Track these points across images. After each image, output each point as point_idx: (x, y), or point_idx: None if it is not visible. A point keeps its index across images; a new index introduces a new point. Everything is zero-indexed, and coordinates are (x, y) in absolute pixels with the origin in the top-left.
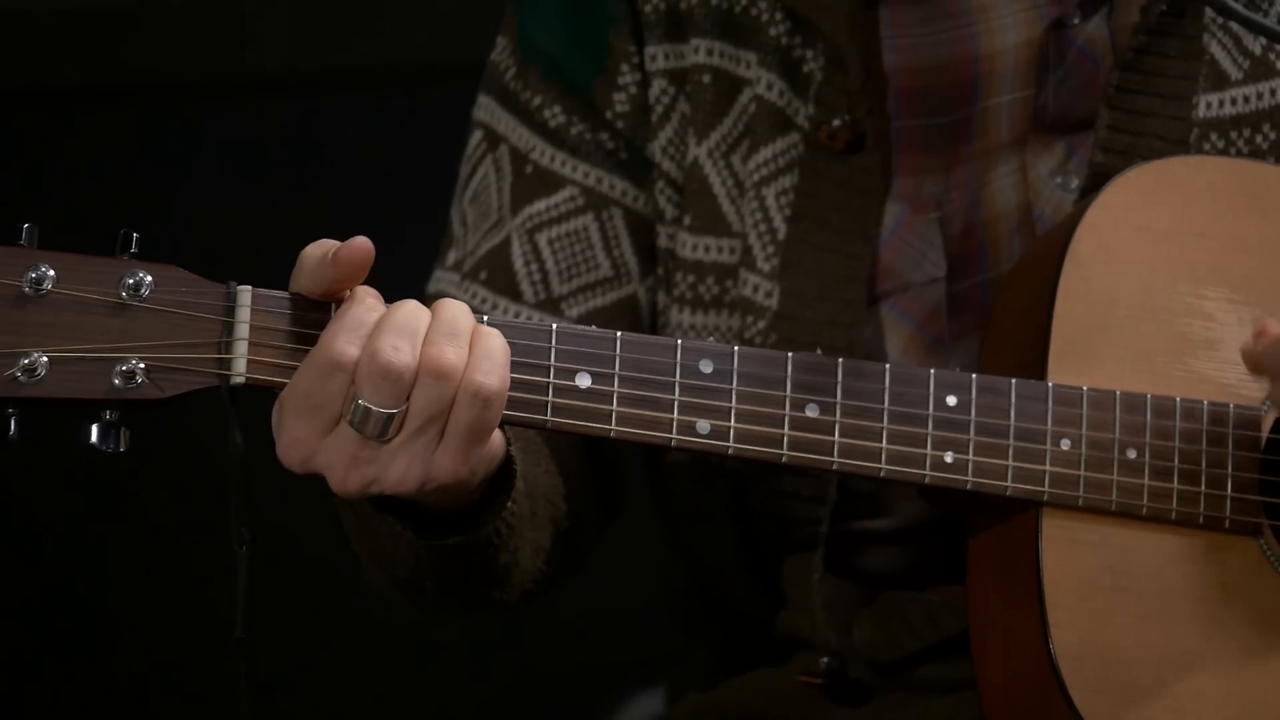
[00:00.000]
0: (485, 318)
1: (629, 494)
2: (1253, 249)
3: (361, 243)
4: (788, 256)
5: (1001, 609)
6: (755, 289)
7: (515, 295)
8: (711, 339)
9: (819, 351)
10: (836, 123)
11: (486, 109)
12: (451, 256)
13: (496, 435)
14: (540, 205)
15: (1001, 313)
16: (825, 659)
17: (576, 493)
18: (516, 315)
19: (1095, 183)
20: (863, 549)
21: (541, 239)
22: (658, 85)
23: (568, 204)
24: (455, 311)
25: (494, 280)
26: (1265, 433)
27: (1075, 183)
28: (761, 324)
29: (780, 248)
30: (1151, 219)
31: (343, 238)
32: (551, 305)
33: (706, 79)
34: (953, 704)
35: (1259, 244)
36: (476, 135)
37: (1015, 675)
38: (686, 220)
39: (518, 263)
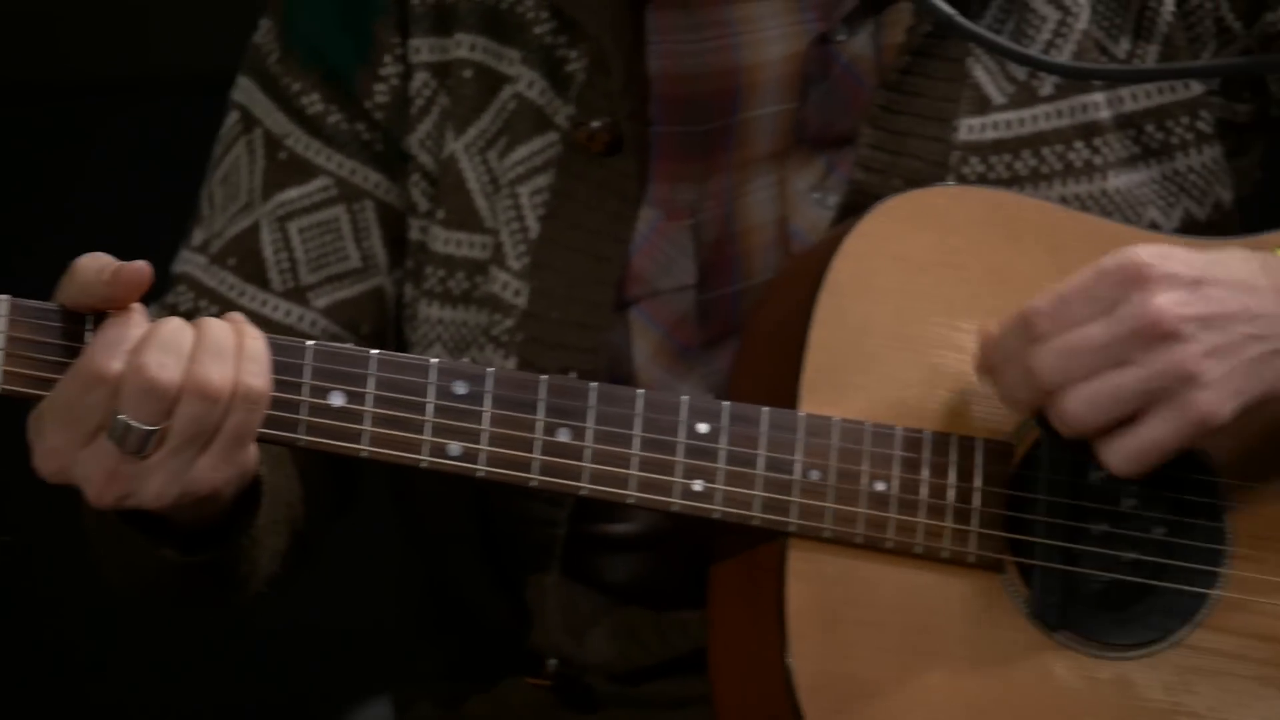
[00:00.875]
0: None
1: (363, 490)
2: (1008, 281)
3: (143, 266)
4: (538, 256)
5: (742, 636)
6: (505, 286)
7: (263, 283)
8: (468, 362)
9: (572, 374)
10: (595, 124)
11: (245, 91)
12: (198, 236)
13: (253, 449)
14: (292, 193)
15: (754, 334)
16: (554, 661)
17: (313, 494)
18: (264, 304)
19: (854, 200)
20: (600, 556)
21: (292, 227)
22: (419, 78)
23: (320, 194)
24: (219, 330)
25: (243, 267)
26: (1013, 468)
27: (834, 199)
28: (509, 322)
29: (531, 246)
30: (909, 249)
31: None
32: (299, 295)
33: (468, 74)
34: (684, 719)
35: (1014, 276)
36: (233, 116)
37: (753, 702)
38: (440, 215)
39: (267, 250)
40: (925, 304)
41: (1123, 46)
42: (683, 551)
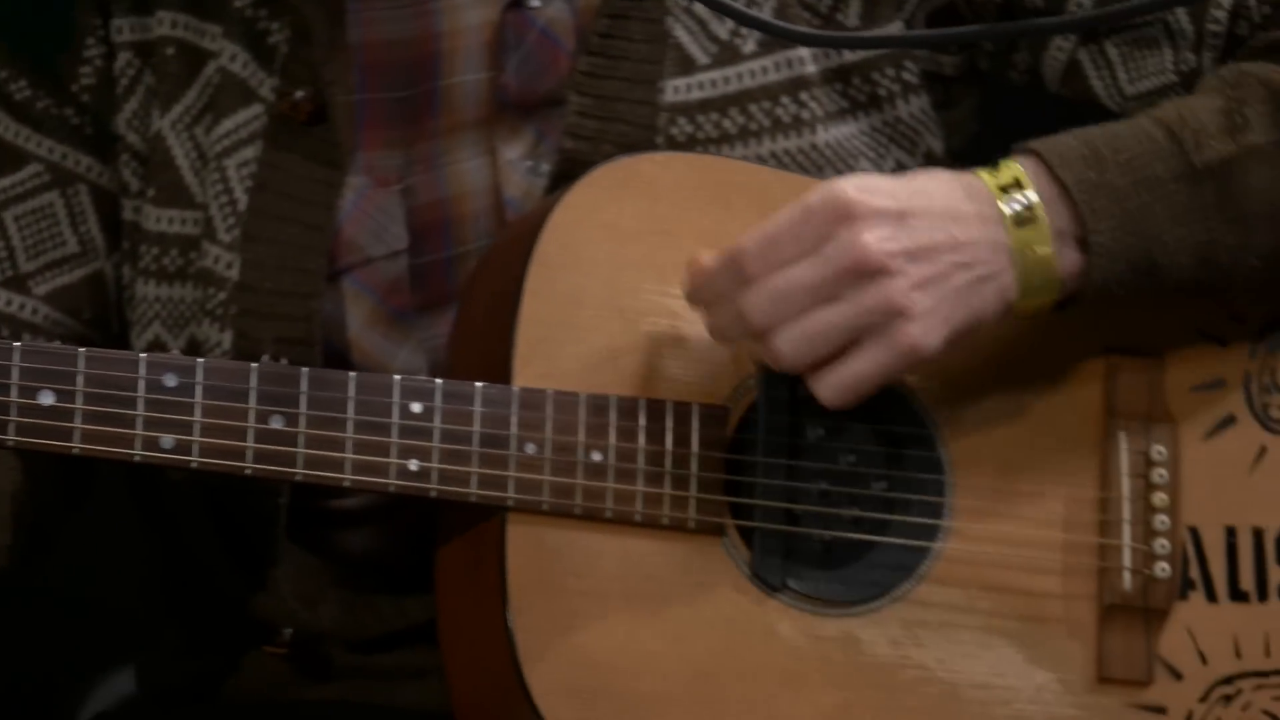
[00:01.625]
0: None
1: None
2: (719, 245)
3: None
4: (248, 228)
5: (468, 612)
6: (217, 260)
7: None
8: (178, 353)
9: (282, 362)
10: (299, 94)
11: None
12: None
13: None
14: (5, 182)
15: (468, 308)
16: (289, 630)
17: (40, 486)
18: None
19: (565, 169)
20: (329, 527)
21: (7, 216)
22: (123, 58)
23: (33, 180)
24: None
25: None
26: (730, 431)
27: (545, 168)
28: (223, 295)
29: (241, 219)
30: (618, 218)
31: None
32: (19, 283)
33: (171, 51)
34: (419, 689)
35: (725, 239)
36: None
37: (483, 678)
38: (150, 193)
39: None
40: (636, 272)
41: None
42: (413, 524)
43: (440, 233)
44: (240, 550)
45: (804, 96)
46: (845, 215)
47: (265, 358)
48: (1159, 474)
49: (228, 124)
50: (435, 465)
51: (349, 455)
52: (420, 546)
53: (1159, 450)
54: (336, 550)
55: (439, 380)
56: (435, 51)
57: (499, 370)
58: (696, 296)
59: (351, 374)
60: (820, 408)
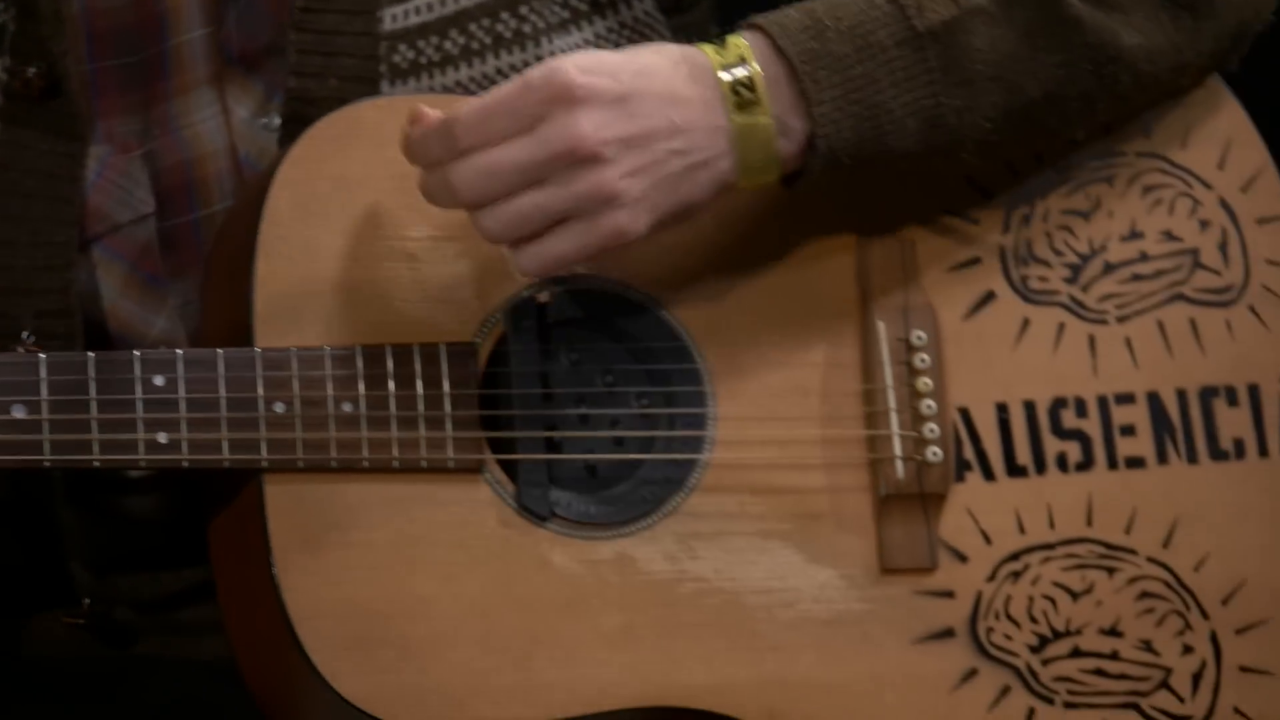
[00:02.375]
0: None
1: None
2: None
3: None
4: None
5: (240, 576)
6: None
7: None
8: None
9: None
10: (31, 71)
11: None
12: None
13: None
14: None
15: (211, 271)
16: (88, 600)
17: None
18: None
19: (294, 110)
20: (112, 492)
21: None
22: None
23: None
24: None
25: None
26: (481, 367)
27: (277, 121)
28: None
29: None
30: (345, 168)
31: None
32: None
33: None
34: (222, 642)
35: None
36: None
37: (261, 639)
38: None
39: None
40: (370, 220)
41: None
42: (190, 486)
43: (185, 195)
44: (26, 516)
45: (524, 10)
46: (564, 96)
47: (26, 334)
48: (921, 358)
49: None
50: (184, 436)
51: (95, 436)
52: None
53: (919, 335)
54: (123, 512)
55: (179, 350)
56: (159, 12)
57: (241, 333)
58: (410, 155)
59: (90, 354)
60: (572, 333)
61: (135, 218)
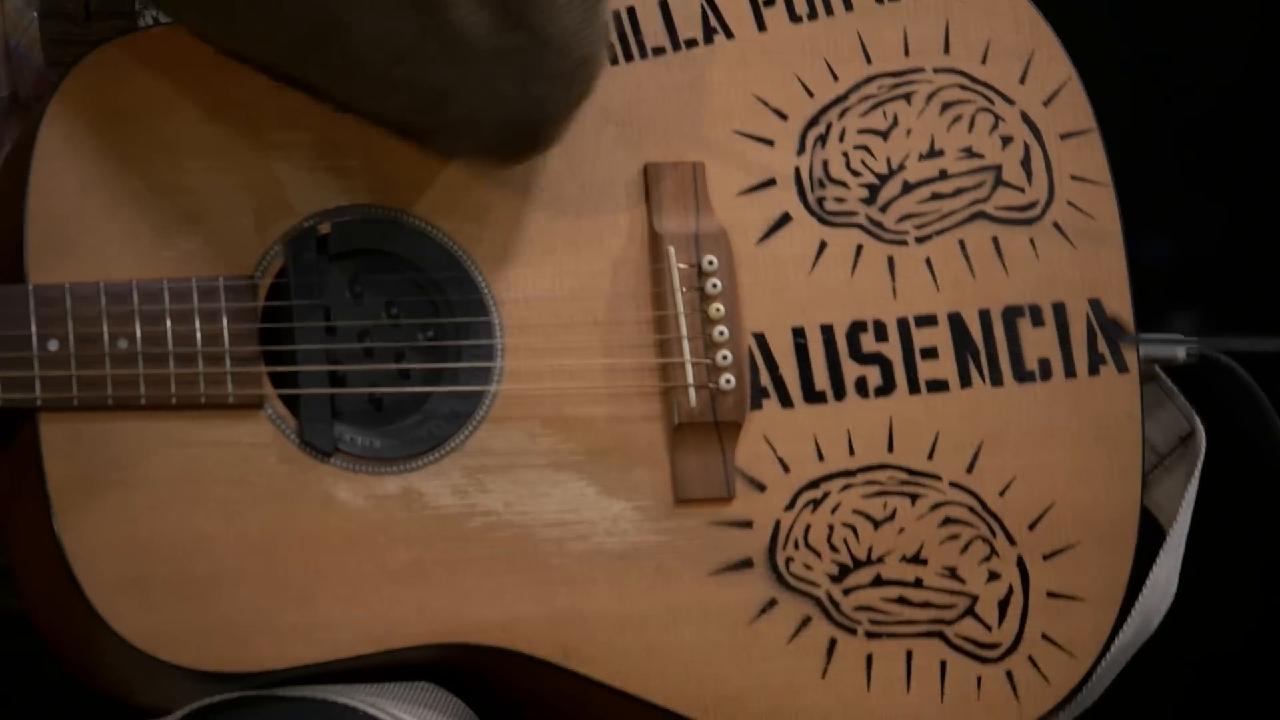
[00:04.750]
0: None
1: None
2: (222, 111)
3: None
4: None
5: (20, 521)
6: None
7: None
8: None
9: None
10: None
11: None
12: None
13: None
14: None
15: None
16: None
17: None
18: None
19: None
20: None
21: None
22: None
23: None
24: None
25: None
26: (261, 301)
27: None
28: None
29: None
30: (119, 100)
31: None
32: None
33: None
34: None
35: (226, 105)
36: None
37: (44, 585)
38: None
39: None
40: (146, 152)
41: None
42: None
43: None
44: None
45: None
46: None
47: None
48: (712, 284)
49: None
50: None
51: None
52: None
53: (710, 260)
54: None
55: None
56: None
57: (15, 271)
58: None
59: None
60: (354, 265)
61: None
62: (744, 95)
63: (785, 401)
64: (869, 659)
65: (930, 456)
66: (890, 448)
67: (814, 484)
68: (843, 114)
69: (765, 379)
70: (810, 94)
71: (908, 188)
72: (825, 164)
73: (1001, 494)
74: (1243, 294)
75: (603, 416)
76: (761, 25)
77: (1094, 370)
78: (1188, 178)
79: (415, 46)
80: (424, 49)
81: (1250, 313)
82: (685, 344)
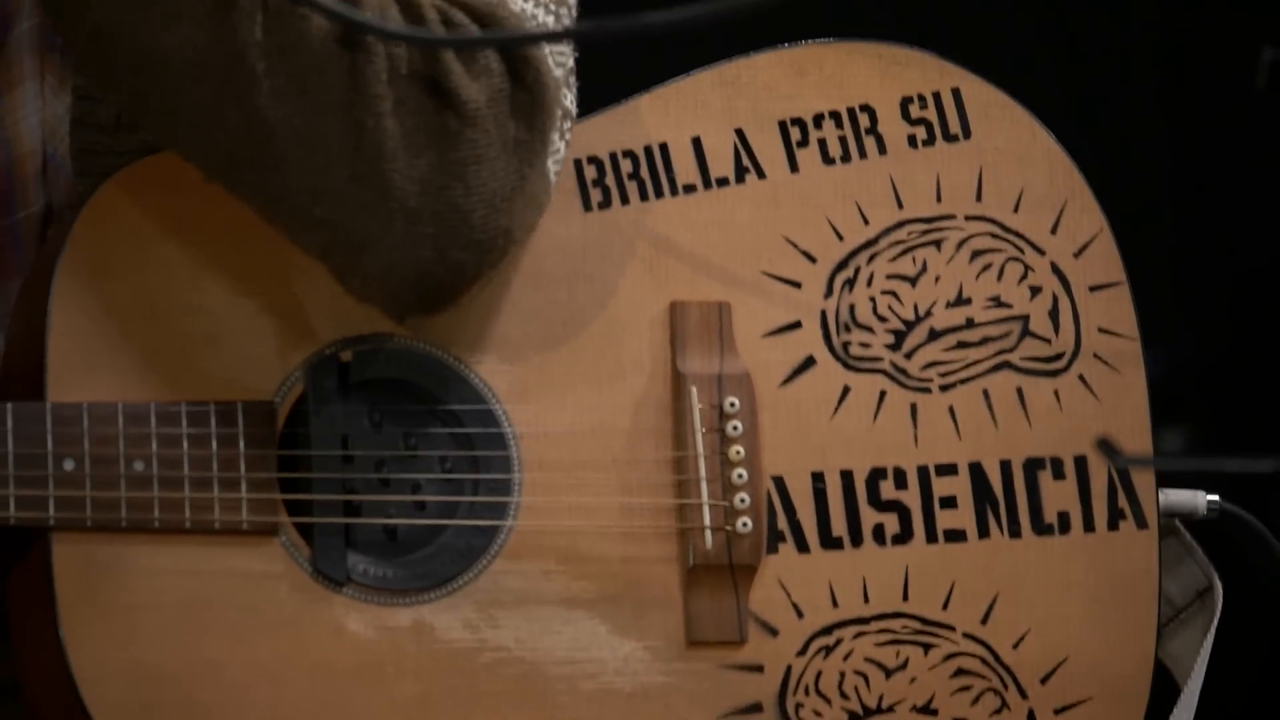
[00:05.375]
0: None
1: None
2: (246, 235)
3: None
4: None
5: (29, 636)
6: None
7: None
8: None
9: None
10: None
11: None
12: None
13: None
14: None
15: (15, 322)
16: None
17: None
18: None
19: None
20: None
21: None
22: None
23: None
24: None
25: None
26: (280, 426)
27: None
28: None
29: None
30: (144, 219)
31: None
32: None
33: None
34: (19, 710)
35: (251, 229)
36: None
37: (51, 704)
38: None
39: None
40: (166, 272)
41: None
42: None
43: (4, 199)
44: None
45: None
46: None
47: None
48: (734, 426)
49: None
50: None
51: None
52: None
53: (732, 402)
54: None
55: None
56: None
57: (34, 386)
58: None
59: None
60: (373, 394)
61: None
62: (773, 236)
63: (802, 546)
64: None
65: (945, 606)
66: (905, 596)
67: (827, 630)
68: (872, 258)
69: (782, 523)
70: (840, 237)
71: (934, 335)
72: (852, 308)
73: (1015, 646)
74: (1232, 413)
75: (617, 556)
76: (794, 166)
77: (1113, 525)
78: (1174, 297)
79: (343, 190)
80: (351, 194)
81: (1240, 433)
82: (703, 486)
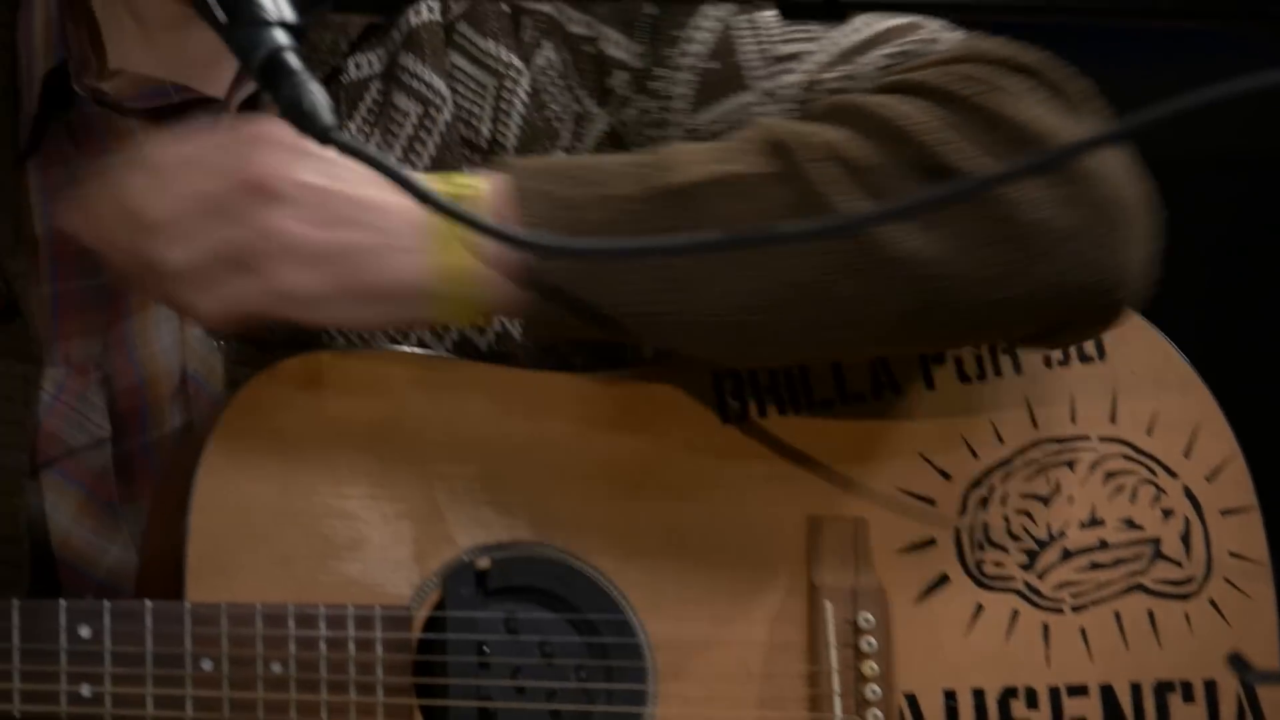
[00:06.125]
0: None
1: None
2: (388, 439)
3: None
4: None
5: None
6: None
7: None
8: None
9: None
10: None
11: None
12: None
13: None
14: None
15: (151, 516)
16: None
17: None
18: None
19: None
20: None
21: None
22: None
23: None
24: None
25: None
26: (416, 633)
27: (221, 341)
28: None
29: None
30: (286, 421)
31: None
32: None
33: None
34: None
35: (393, 433)
36: None
37: None
38: None
39: None
40: (307, 474)
41: (484, 132)
42: None
43: (138, 418)
44: None
45: None
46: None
47: None
48: (868, 642)
49: None
50: (108, 690)
51: (16, 686)
52: None
53: (866, 618)
54: None
55: (107, 602)
56: None
57: (173, 585)
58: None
59: (15, 601)
60: (510, 601)
61: (91, 442)
62: (909, 452)
63: None
64: None
65: None
66: None
67: None
68: (1006, 477)
69: None
70: (975, 455)
71: (1067, 555)
72: (986, 526)
73: None
74: None
75: None
76: (930, 384)
77: None
78: None
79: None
80: None
81: None
82: (837, 701)
